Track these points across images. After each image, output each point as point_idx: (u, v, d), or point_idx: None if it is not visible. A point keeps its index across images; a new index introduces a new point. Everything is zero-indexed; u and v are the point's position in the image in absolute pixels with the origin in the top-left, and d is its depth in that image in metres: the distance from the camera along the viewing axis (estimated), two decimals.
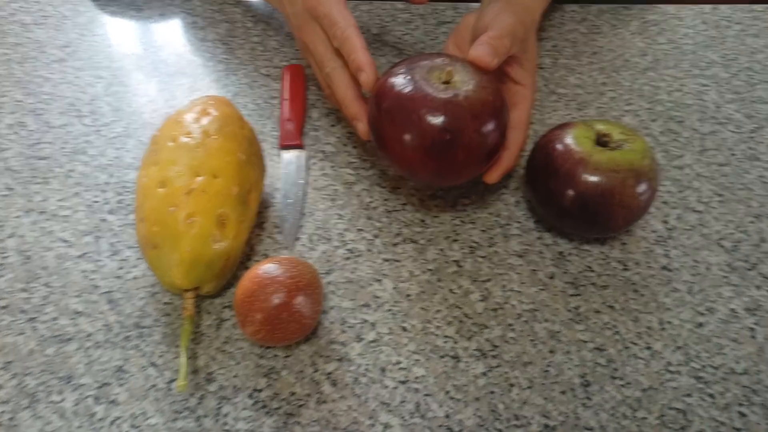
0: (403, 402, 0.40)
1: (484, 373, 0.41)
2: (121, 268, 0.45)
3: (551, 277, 0.47)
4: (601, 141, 0.46)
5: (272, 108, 0.58)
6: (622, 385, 0.41)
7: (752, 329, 0.44)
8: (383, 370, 0.41)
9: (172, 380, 0.40)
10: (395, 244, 0.48)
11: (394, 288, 0.46)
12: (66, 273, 0.45)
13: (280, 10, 0.56)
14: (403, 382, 0.41)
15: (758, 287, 0.47)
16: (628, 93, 0.61)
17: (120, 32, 0.64)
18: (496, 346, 0.43)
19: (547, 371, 0.42)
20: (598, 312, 0.45)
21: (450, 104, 0.43)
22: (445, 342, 0.43)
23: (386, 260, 0.47)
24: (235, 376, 0.41)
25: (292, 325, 0.39)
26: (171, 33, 0.64)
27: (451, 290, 0.46)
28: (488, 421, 0.39)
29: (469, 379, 0.41)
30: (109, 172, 0.51)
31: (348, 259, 0.47)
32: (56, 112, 0.56)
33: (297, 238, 0.48)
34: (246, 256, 0.47)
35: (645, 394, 0.41)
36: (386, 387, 0.41)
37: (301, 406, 0.39)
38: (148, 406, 0.39)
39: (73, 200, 0.49)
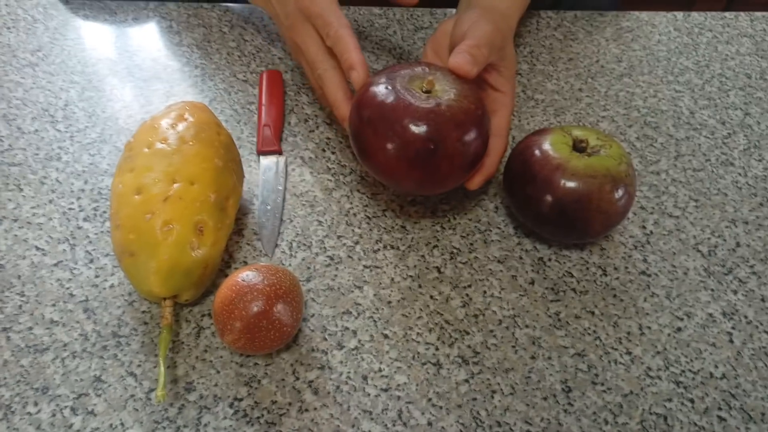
0: (385, 410, 0.40)
1: (466, 380, 0.41)
2: (97, 276, 0.45)
3: (531, 283, 0.47)
4: (578, 147, 0.46)
5: (250, 113, 0.57)
6: (603, 391, 0.41)
7: (730, 333, 0.45)
8: (365, 377, 0.41)
9: (151, 390, 0.39)
10: (376, 251, 0.48)
11: (375, 295, 0.45)
12: (41, 281, 0.44)
13: (268, 10, 0.56)
14: (385, 390, 0.41)
15: (735, 291, 0.47)
16: (604, 99, 0.62)
17: (93, 36, 0.63)
18: (478, 353, 0.43)
19: (528, 377, 0.42)
20: (578, 317, 0.45)
21: (433, 114, 0.43)
22: (427, 349, 0.43)
23: (367, 267, 0.47)
24: (215, 385, 0.40)
25: (272, 333, 0.39)
26: (146, 37, 0.63)
27: (432, 296, 0.46)
28: (471, 428, 0.39)
29: (451, 386, 0.41)
30: (84, 179, 0.50)
31: (328, 266, 0.47)
32: (29, 118, 0.55)
33: (276, 245, 0.48)
34: (225, 264, 0.46)
35: (626, 399, 0.41)
36: (368, 395, 0.40)
37: (282, 414, 0.39)
38: (126, 416, 0.38)
39: (47, 207, 0.48)
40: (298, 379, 0.41)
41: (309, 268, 0.46)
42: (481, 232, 0.50)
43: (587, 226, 0.45)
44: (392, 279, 0.46)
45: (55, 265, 0.45)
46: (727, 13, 0.74)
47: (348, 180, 0.53)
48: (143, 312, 0.43)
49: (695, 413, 0.41)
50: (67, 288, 0.44)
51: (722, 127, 0.60)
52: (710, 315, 0.46)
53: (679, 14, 0.73)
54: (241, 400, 0.40)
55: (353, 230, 0.49)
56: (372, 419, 0.39)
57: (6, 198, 0.49)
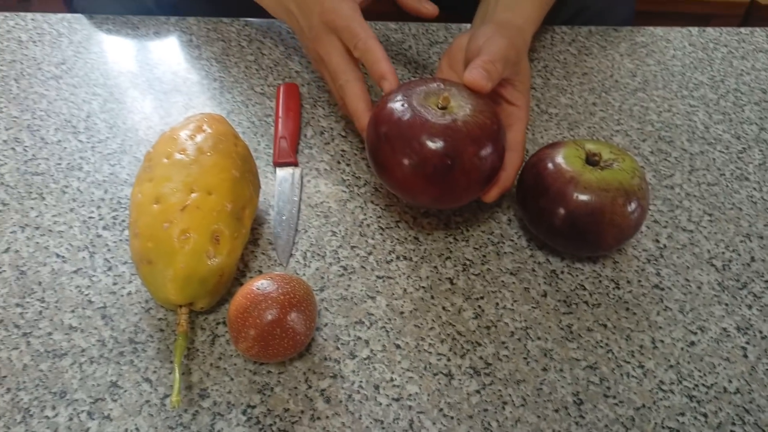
0: (396, 419, 0.40)
1: (477, 391, 0.42)
2: (115, 283, 0.45)
3: (544, 295, 0.47)
4: (591, 160, 0.46)
5: (267, 126, 0.58)
6: (615, 404, 0.41)
7: (744, 348, 0.45)
8: (377, 387, 0.41)
9: (166, 396, 0.40)
10: (389, 262, 0.48)
11: (388, 305, 0.46)
12: (60, 288, 0.45)
13: (290, 23, 0.57)
14: (396, 400, 0.41)
15: (749, 306, 0.47)
16: (618, 113, 0.62)
17: (116, 50, 0.65)
18: (489, 364, 0.43)
19: (540, 389, 0.42)
20: (590, 330, 0.45)
21: (449, 130, 0.43)
22: (439, 359, 0.43)
23: (380, 277, 0.47)
24: (228, 392, 0.40)
25: (286, 342, 0.39)
26: (166, 51, 0.65)
27: (444, 308, 0.46)
28: None
29: (462, 397, 0.41)
30: (104, 188, 0.52)
31: (341, 276, 0.47)
32: (52, 129, 0.56)
33: (291, 255, 0.48)
34: (240, 273, 0.47)
35: (638, 412, 0.41)
36: (380, 404, 0.41)
37: (294, 422, 0.39)
38: (141, 421, 0.39)
39: (68, 216, 0.49)
40: (310, 387, 0.41)
41: (323, 277, 0.47)
42: (494, 244, 0.50)
43: (600, 239, 0.45)
44: (405, 290, 0.47)
45: (75, 272, 0.46)
46: (742, 29, 0.74)
47: (362, 191, 0.53)
48: (159, 319, 0.44)
49: (708, 428, 0.40)
50: (86, 295, 0.45)
51: (737, 142, 0.60)
52: (724, 329, 0.46)
53: (694, 29, 0.73)
54: (254, 407, 0.40)
55: (367, 241, 0.50)
56: (383, 428, 0.39)
57: (29, 206, 0.50)
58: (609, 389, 0.42)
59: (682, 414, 0.41)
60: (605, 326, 0.45)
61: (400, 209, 0.52)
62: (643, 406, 0.41)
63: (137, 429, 0.39)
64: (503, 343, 0.44)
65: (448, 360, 0.43)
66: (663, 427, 0.40)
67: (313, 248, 0.49)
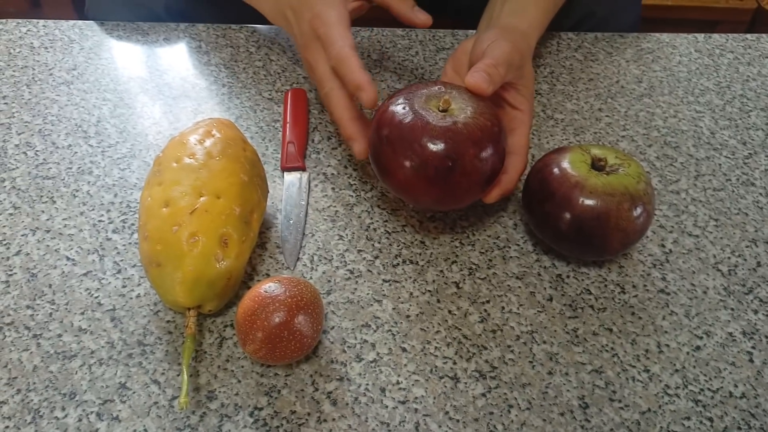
0: (402, 422, 0.40)
1: (483, 394, 0.42)
2: (124, 286, 0.46)
3: (549, 300, 0.47)
4: (597, 165, 0.47)
5: (275, 131, 0.59)
6: (621, 408, 0.42)
7: (750, 353, 0.45)
8: (383, 390, 0.42)
9: (174, 398, 0.40)
10: (395, 266, 0.49)
11: (394, 309, 0.46)
12: (70, 290, 0.46)
13: (288, 30, 0.58)
14: (402, 402, 0.41)
15: (755, 311, 0.47)
16: (624, 119, 0.62)
17: (126, 56, 0.65)
18: (495, 368, 0.43)
19: (545, 393, 0.42)
20: (596, 334, 0.45)
21: (450, 132, 0.44)
22: (445, 363, 0.43)
23: (386, 281, 0.48)
24: (236, 394, 0.41)
25: (293, 344, 0.40)
26: (176, 57, 0.66)
27: (450, 311, 0.46)
28: None
29: (468, 400, 0.41)
30: (114, 192, 0.52)
31: (348, 279, 0.48)
32: (63, 133, 0.57)
33: (298, 259, 0.49)
34: (248, 276, 0.47)
35: (643, 416, 0.41)
36: (386, 407, 0.41)
37: (301, 424, 0.40)
38: (150, 423, 0.39)
39: (78, 219, 0.50)
40: (317, 389, 0.41)
41: (329, 281, 0.47)
42: (500, 249, 0.50)
43: (605, 243, 0.46)
44: (411, 293, 0.47)
45: (85, 274, 0.47)
46: (748, 35, 0.74)
47: (369, 196, 0.54)
48: (168, 322, 0.44)
49: None
50: (96, 297, 0.45)
51: (743, 148, 0.60)
52: (730, 334, 0.46)
53: (700, 36, 0.74)
54: (261, 409, 0.40)
55: (373, 245, 0.50)
56: (389, 431, 0.40)
57: (40, 210, 0.51)
58: (614, 393, 0.42)
59: (688, 418, 0.41)
60: (611, 330, 0.46)
61: (406, 213, 0.52)
62: (649, 410, 0.41)
63: (146, 430, 0.39)
64: (509, 346, 0.44)
65: (454, 363, 0.43)
66: (669, 431, 0.40)
67: (320, 252, 0.49)
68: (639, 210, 0.45)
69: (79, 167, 0.54)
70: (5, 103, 0.59)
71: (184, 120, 0.59)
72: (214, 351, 0.43)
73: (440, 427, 0.40)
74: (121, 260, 0.48)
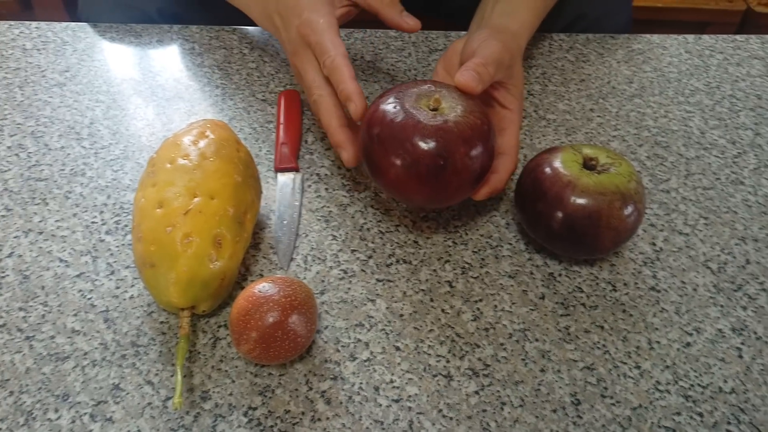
0: (396, 420, 0.40)
1: (476, 392, 0.42)
2: (118, 287, 0.46)
3: (542, 298, 0.47)
4: (589, 165, 0.47)
5: (268, 132, 0.59)
6: (612, 404, 0.42)
7: (739, 349, 0.45)
8: (377, 388, 0.42)
9: (168, 398, 0.41)
10: (388, 265, 0.49)
11: (388, 308, 0.46)
12: (63, 292, 0.46)
13: (276, 35, 0.58)
14: (396, 401, 0.41)
15: (744, 308, 0.48)
16: (615, 119, 0.63)
17: (119, 58, 0.65)
18: (488, 365, 0.43)
19: (538, 390, 0.42)
20: (587, 332, 0.46)
21: (441, 130, 0.44)
22: (438, 361, 0.43)
23: (379, 281, 0.48)
24: (230, 394, 0.41)
25: (287, 344, 0.40)
26: (169, 59, 0.66)
27: (443, 310, 0.46)
28: None
29: (461, 398, 0.42)
30: (107, 194, 0.52)
31: (342, 279, 0.48)
32: (55, 135, 0.57)
33: (292, 259, 0.49)
34: (241, 276, 0.47)
35: (635, 412, 0.42)
36: (380, 405, 0.41)
37: (295, 424, 0.40)
38: (143, 424, 0.39)
39: (71, 221, 0.50)
40: (311, 389, 0.42)
41: (323, 281, 0.48)
42: (493, 248, 0.51)
43: (597, 242, 0.46)
44: (404, 293, 0.47)
45: (78, 276, 0.47)
46: (738, 36, 0.75)
47: (362, 196, 0.54)
48: (161, 322, 0.44)
49: (704, 427, 0.41)
50: (89, 299, 0.45)
51: (732, 147, 0.61)
52: (719, 330, 0.46)
53: (690, 37, 0.74)
54: (255, 409, 0.40)
55: (367, 245, 0.50)
56: (383, 429, 0.40)
57: (32, 211, 0.50)
58: (606, 390, 0.42)
59: (679, 414, 0.41)
60: (602, 328, 0.46)
61: (399, 213, 0.53)
62: (640, 406, 0.42)
63: (139, 431, 0.39)
64: (502, 344, 0.45)
65: (447, 361, 0.43)
66: (659, 427, 0.41)
67: (314, 252, 0.49)
68: (630, 209, 0.45)
69: (72, 169, 0.54)
70: None
71: (178, 121, 0.59)
72: (207, 351, 0.43)
73: (434, 425, 0.40)
74: (115, 261, 0.48)
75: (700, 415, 0.42)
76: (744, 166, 0.59)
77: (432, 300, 0.47)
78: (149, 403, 0.40)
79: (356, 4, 0.57)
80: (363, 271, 0.48)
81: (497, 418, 0.41)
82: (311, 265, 0.49)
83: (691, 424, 0.41)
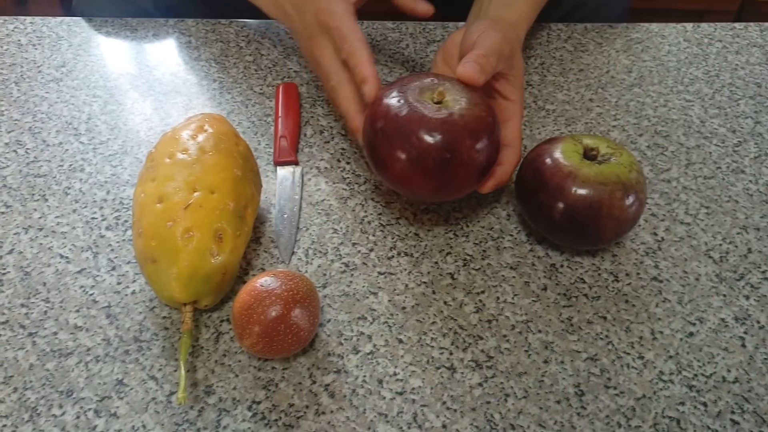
0: (400, 413, 0.40)
1: (479, 384, 0.42)
2: (119, 283, 0.46)
3: (544, 289, 0.47)
4: (589, 155, 0.47)
5: (267, 125, 0.59)
6: (616, 395, 0.42)
7: (742, 338, 0.45)
8: (380, 381, 0.42)
9: (172, 393, 0.40)
10: (390, 258, 0.49)
11: (390, 301, 0.46)
12: (65, 288, 0.45)
13: (287, 23, 0.57)
14: (400, 393, 0.41)
15: (747, 297, 0.48)
16: (614, 109, 0.63)
17: (115, 52, 0.65)
18: (491, 357, 0.43)
19: (541, 381, 0.42)
20: (590, 323, 0.46)
21: (446, 124, 0.44)
22: (441, 353, 0.43)
23: (381, 273, 0.48)
24: (234, 389, 0.41)
25: (290, 338, 0.40)
26: (165, 53, 0.65)
27: (445, 302, 0.46)
28: (484, 430, 0.40)
29: (465, 390, 0.42)
30: (107, 189, 0.52)
31: (343, 272, 0.48)
32: (53, 131, 0.56)
33: (293, 253, 0.49)
34: (243, 271, 0.47)
35: (638, 402, 0.42)
36: (383, 398, 0.41)
37: (299, 417, 0.40)
38: (148, 418, 0.39)
39: (71, 217, 0.50)
40: (314, 382, 0.42)
41: (325, 274, 0.47)
42: (494, 240, 0.50)
43: (598, 232, 0.46)
44: (406, 285, 0.47)
45: (79, 272, 0.46)
46: (736, 24, 0.75)
47: (362, 189, 0.54)
48: (164, 318, 0.44)
49: (708, 417, 0.41)
50: (91, 294, 0.45)
51: (733, 136, 0.61)
52: (722, 320, 0.46)
53: (689, 25, 0.74)
54: (259, 403, 0.40)
55: (368, 238, 0.50)
56: (387, 422, 0.40)
57: (32, 208, 0.50)
58: (609, 380, 0.43)
59: (682, 403, 0.42)
60: (605, 318, 0.46)
61: (400, 206, 0.53)
62: (644, 396, 0.42)
63: (144, 426, 0.39)
64: (504, 336, 0.45)
65: (451, 354, 0.43)
66: (663, 417, 0.41)
67: (315, 245, 0.49)
68: (631, 199, 0.45)
69: (71, 165, 0.54)
70: None
71: (176, 116, 0.59)
72: (210, 346, 0.43)
73: (438, 417, 0.40)
74: (116, 257, 0.47)
75: (704, 404, 0.42)
76: (744, 154, 0.59)
77: (434, 292, 0.47)
78: (153, 398, 0.40)
79: None
80: (364, 264, 0.48)
81: (501, 410, 0.41)
82: (312, 259, 0.48)
83: (695, 414, 0.41)
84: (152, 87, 0.61)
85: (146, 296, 0.45)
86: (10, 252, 0.47)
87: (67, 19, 0.68)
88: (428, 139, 0.44)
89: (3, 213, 0.50)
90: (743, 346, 0.45)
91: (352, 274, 0.48)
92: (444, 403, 0.41)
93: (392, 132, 0.45)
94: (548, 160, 0.47)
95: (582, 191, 0.45)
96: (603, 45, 0.70)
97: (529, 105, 0.62)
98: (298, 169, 0.54)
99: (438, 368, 0.43)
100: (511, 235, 0.51)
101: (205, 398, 0.40)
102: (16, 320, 0.43)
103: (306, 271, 0.48)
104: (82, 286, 0.46)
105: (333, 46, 0.52)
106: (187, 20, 0.69)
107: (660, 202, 0.54)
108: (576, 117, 0.61)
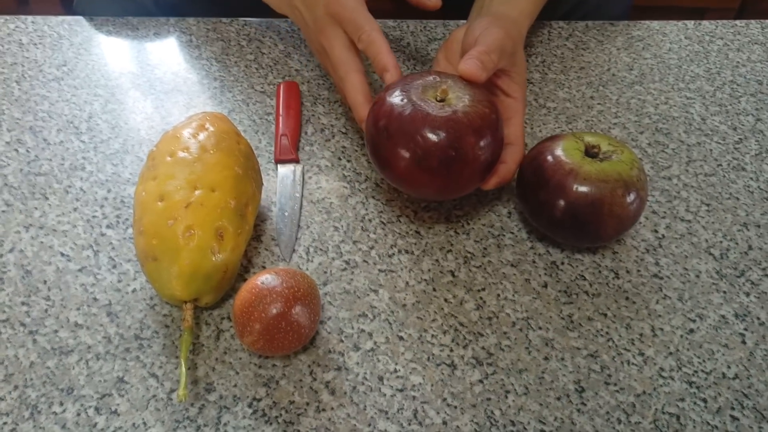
0: (400, 409, 0.40)
1: (480, 381, 0.42)
2: (120, 281, 0.46)
3: (544, 286, 0.47)
4: (590, 152, 0.47)
5: (267, 124, 0.59)
6: (616, 391, 0.42)
7: (742, 335, 0.45)
8: (381, 378, 0.42)
9: (173, 390, 0.41)
10: (390, 255, 0.49)
11: (390, 298, 0.46)
12: (66, 286, 0.45)
13: (293, 16, 0.58)
14: (400, 390, 0.41)
15: (747, 294, 0.48)
16: (615, 106, 0.63)
17: (116, 51, 0.65)
18: (492, 354, 0.43)
19: (542, 378, 0.42)
20: (591, 319, 0.46)
21: (451, 122, 0.44)
22: (441, 350, 0.44)
23: (382, 271, 0.48)
24: (234, 386, 0.41)
25: (290, 335, 0.40)
26: (166, 51, 0.65)
27: (446, 300, 0.46)
28: (485, 427, 0.40)
29: (465, 387, 0.42)
30: (107, 188, 0.52)
31: (344, 270, 0.48)
32: (54, 130, 0.56)
33: (294, 251, 0.49)
34: (244, 269, 0.47)
35: (639, 399, 0.42)
36: (384, 395, 0.41)
37: (300, 414, 0.40)
38: (148, 416, 0.39)
39: (71, 215, 0.50)
40: (315, 379, 0.42)
41: (326, 272, 0.48)
42: (495, 237, 0.51)
43: (599, 229, 0.46)
44: (407, 283, 0.47)
45: (80, 270, 0.47)
46: (737, 21, 0.75)
47: (363, 187, 0.54)
48: (164, 315, 0.44)
49: (708, 413, 0.41)
50: (91, 292, 0.45)
51: (734, 133, 0.60)
52: (722, 317, 0.46)
53: (690, 23, 0.74)
54: (259, 400, 0.41)
55: (368, 235, 0.50)
56: (388, 419, 0.40)
57: (32, 206, 0.50)
58: (610, 377, 0.43)
59: (682, 400, 0.42)
60: (605, 315, 0.46)
61: (401, 204, 0.53)
62: (644, 392, 0.42)
63: (144, 423, 0.39)
64: (505, 333, 0.45)
65: (451, 351, 0.43)
66: (663, 413, 0.41)
67: (316, 243, 0.49)
68: (632, 196, 0.45)
69: (72, 163, 0.54)
70: None
71: (177, 114, 0.59)
72: (211, 343, 0.43)
73: (438, 413, 0.40)
74: (116, 255, 0.48)
75: (704, 401, 0.42)
76: (745, 152, 0.59)
77: (435, 290, 0.47)
78: (154, 396, 0.40)
79: None
80: (365, 261, 0.48)
81: (501, 407, 0.41)
82: (313, 257, 0.48)
83: (695, 410, 0.41)
84: (153, 86, 0.61)
85: (147, 294, 0.45)
86: (11, 250, 0.47)
87: (68, 18, 0.68)
88: (433, 137, 0.44)
89: (4, 211, 0.50)
90: (743, 342, 0.45)
91: (352, 272, 0.48)
92: (444, 399, 0.41)
93: (396, 131, 0.45)
94: (549, 158, 0.47)
95: (583, 188, 0.45)
96: (604, 43, 0.70)
97: (530, 103, 0.62)
98: (298, 168, 0.54)
99: (438, 365, 0.43)
100: (512, 233, 0.51)
101: (205, 395, 0.40)
102: (16, 318, 0.44)
103: (307, 269, 0.48)
104: (82, 284, 0.46)
105: (343, 38, 0.52)
106: (188, 19, 0.69)
107: (661, 200, 0.54)
108: (577, 115, 0.61)
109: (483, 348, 0.44)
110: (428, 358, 0.43)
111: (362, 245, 0.49)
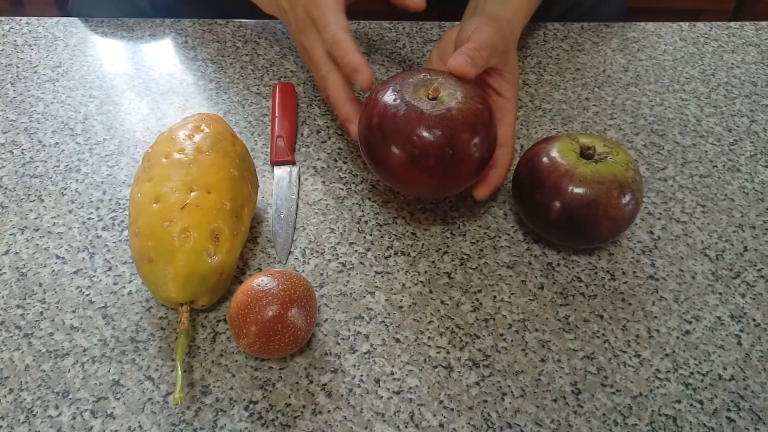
0: (397, 412, 0.40)
1: (476, 383, 0.42)
2: (115, 283, 0.46)
3: (540, 288, 0.48)
4: (586, 154, 0.47)
5: (263, 125, 0.58)
6: (613, 393, 0.42)
7: (738, 336, 0.45)
8: (377, 380, 0.42)
9: (169, 393, 0.40)
10: (387, 257, 0.49)
11: (387, 300, 0.46)
12: (61, 289, 0.45)
13: (282, 18, 0.57)
14: (397, 393, 0.41)
15: (743, 295, 0.48)
16: (611, 108, 0.63)
17: (111, 52, 0.65)
18: (488, 356, 0.43)
19: (538, 380, 0.42)
20: (587, 321, 0.46)
21: (445, 119, 0.44)
22: (438, 352, 0.43)
23: (378, 273, 0.48)
24: (230, 389, 0.41)
25: (287, 337, 0.40)
26: (162, 53, 0.65)
27: (442, 301, 0.46)
28: (482, 429, 0.40)
29: (462, 389, 0.42)
30: (103, 190, 0.52)
31: (340, 272, 0.48)
32: (49, 131, 0.56)
33: (290, 252, 0.49)
34: (240, 271, 0.47)
35: (635, 401, 0.42)
36: (380, 397, 0.41)
37: (296, 417, 0.40)
38: (144, 419, 0.39)
39: (67, 217, 0.50)
40: (311, 382, 0.42)
41: (322, 274, 0.47)
42: (491, 239, 0.51)
43: (595, 231, 0.46)
44: (403, 284, 0.47)
45: (75, 272, 0.46)
46: (732, 23, 0.75)
47: (359, 189, 0.54)
48: (160, 318, 0.44)
49: (704, 414, 0.41)
50: (87, 295, 0.45)
51: (729, 134, 0.61)
52: (718, 318, 0.46)
53: (685, 24, 0.74)
54: (256, 403, 0.40)
55: (365, 237, 0.50)
56: (384, 421, 0.40)
57: (28, 208, 0.50)
58: (606, 378, 0.43)
59: (679, 401, 0.42)
60: (601, 317, 0.46)
61: (397, 205, 0.53)
62: (640, 394, 0.42)
63: (140, 426, 0.39)
64: (501, 335, 0.45)
65: (448, 353, 0.43)
66: (660, 415, 0.41)
67: (312, 245, 0.49)
68: (628, 197, 0.45)
69: (67, 165, 0.54)
70: None
71: (172, 116, 0.59)
72: (207, 346, 0.43)
73: (435, 416, 0.40)
74: (112, 257, 0.47)
75: (700, 402, 0.42)
76: (740, 153, 0.59)
77: (431, 291, 0.47)
78: (150, 399, 0.40)
79: None
80: (361, 263, 0.48)
81: (498, 409, 0.41)
82: (309, 259, 0.48)
83: (692, 412, 0.41)
84: (149, 87, 0.61)
85: (143, 296, 0.45)
86: (6, 253, 0.47)
87: (63, 19, 0.68)
88: (428, 136, 0.44)
89: None
90: (739, 344, 0.45)
91: (349, 274, 0.48)
92: (441, 402, 0.41)
93: (391, 131, 0.45)
94: (545, 159, 0.47)
95: (579, 190, 0.45)
96: (599, 44, 0.70)
97: (525, 104, 0.62)
98: (294, 169, 0.54)
99: (435, 367, 0.43)
100: (508, 234, 0.51)
101: (201, 398, 0.40)
102: (11, 321, 0.43)
103: (303, 271, 0.48)
104: (78, 287, 0.46)
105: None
106: (183, 20, 0.69)
107: (656, 201, 0.54)
108: (572, 116, 0.61)
109: (479, 350, 0.44)
110: (425, 361, 0.43)
111: (358, 247, 0.49)
